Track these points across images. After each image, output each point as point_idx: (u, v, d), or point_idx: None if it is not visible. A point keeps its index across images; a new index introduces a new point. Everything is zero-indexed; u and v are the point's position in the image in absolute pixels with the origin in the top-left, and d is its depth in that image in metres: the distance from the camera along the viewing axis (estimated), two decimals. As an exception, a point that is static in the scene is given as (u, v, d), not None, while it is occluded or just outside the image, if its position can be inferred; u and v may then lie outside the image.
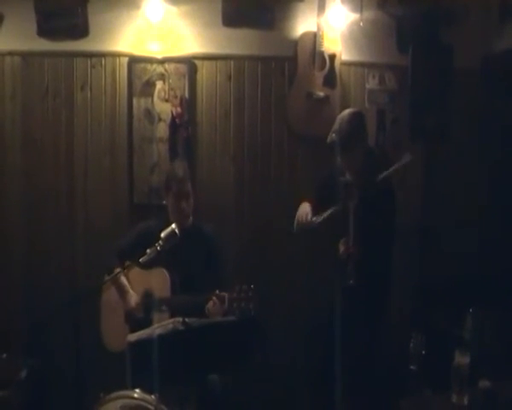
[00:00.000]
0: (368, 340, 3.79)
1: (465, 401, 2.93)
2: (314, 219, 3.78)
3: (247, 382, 4.03)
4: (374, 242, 3.61)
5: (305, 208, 3.85)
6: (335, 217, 3.72)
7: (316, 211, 3.81)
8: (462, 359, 2.95)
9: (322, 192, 3.92)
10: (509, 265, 4.11)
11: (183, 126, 4.39)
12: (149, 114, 4.37)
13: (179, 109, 4.38)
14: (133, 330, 3.17)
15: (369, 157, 3.82)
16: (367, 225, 3.58)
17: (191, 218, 3.75)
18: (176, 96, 4.38)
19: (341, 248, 3.67)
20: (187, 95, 4.38)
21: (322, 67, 4.38)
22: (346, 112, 3.83)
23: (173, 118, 4.38)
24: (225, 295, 3.37)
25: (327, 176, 3.99)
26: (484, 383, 2.94)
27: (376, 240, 3.65)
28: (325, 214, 3.74)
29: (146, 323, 3.34)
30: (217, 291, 3.44)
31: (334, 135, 3.72)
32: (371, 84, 4.59)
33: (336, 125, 3.74)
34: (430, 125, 4.28)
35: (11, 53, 4.33)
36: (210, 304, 3.43)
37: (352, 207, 3.63)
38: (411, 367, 3.33)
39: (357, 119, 3.79)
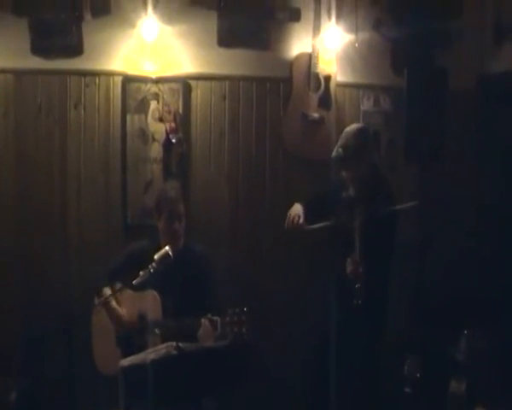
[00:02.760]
0: (366, 362, 3.77)
1: (461, 429, 2.91)
2: (304, 223, 3.77)
3: (241, 405, 4.00)
4: (379, 261, 3.60)
5: (297, 210, 3.83)
6: (325, 231, 3.70)
7: (307, 217, 3.79)
8: (457, 386, 2.93)
9: (317, 204, 3.91)
10: (506, 284, 4.10)
11: (177, 144, 4.36)
12: (143, 133, 4.36)
13: (173, 125, 4.36)
14: (125, 354, 3.13)
15: (373, 173, 3.82)
16: (373, 244, 3.55)
17: (182, 240, 3.71)
18: (169, 112, 4.36)
19: (349, 267, 3.60)
20: (181, 113, 4.37)
21: (317, 88, 4.38)
22: (354, 127, 3.85)
23: (167, 135, 4.36)
24: (217, 319, 3.34)
25: (325, 192, 4.01)
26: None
27: (381, 259, 3.64)
28: (318, 225, 3.73)
29: (138, 346, 3.30)
30: (209, 315, 3.40)
31: (340, 149, 3.71)
32: (366, 105, 4.60)
33: (343, 140, 3.75)
34: (425, 146, 4.26)
35: (4, 70, 4.30)
36: (201, 330, 3.39)
37: (358, 226, 3.61)
38: (406, 390, 3.31)
39: (364, 134, 3.82)
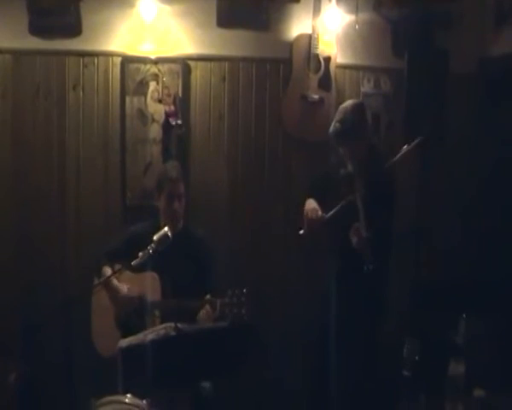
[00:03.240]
0: (367, 337, 3.79)
1: (459, 410, 2.91)
2: (324, 214, 3.72)
3: (239, 387, 4.01)
4: (383, 227, 3.62)
5: (312, 205, 3.80)
6: (343, 211, 3.68)
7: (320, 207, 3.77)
8: (456, 368, 2.92)
9: (322, 188, 3.90)
10: (504, 269, 4.10)
11: (176, 126, 4.35)
12: (142, 114, 4.33)
13: (172, 107, 4.34)
14: (124, 335, 3.13)
15: (371, 147, 3.83)
16: (376, 211, 3.56)
17: (182, 221, 3.71)
18: (169, 95, 4.34)
19: (354, 237, 3.60)
20: (180, 94, 4.34)
21: (317, 69, 4.37)
22: (349, 102, 3.83)
23: (166, 117, 4.34)
24: (217, 300, 3.34)
25: (324, 172, 4.01)
26: (479, 393, 2.92)
27: (385, 225, 3.66)
28: (334, 209, 3.68)
29: (137, 327, 3.30)
30: (208, 296, 3.40)
31: (338, 124, 3.70)
32: (366, 87, 4.58)
33: (340, 115, 3.73)
34: (425, 128, 4.25)
35: (2, 51, 4.26)
36: (201, 311, 3.40)
37: (360, 197, 3.60)
38: (405, 373, 3.31)
39: (361, 109, 3.80)
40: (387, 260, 3.79)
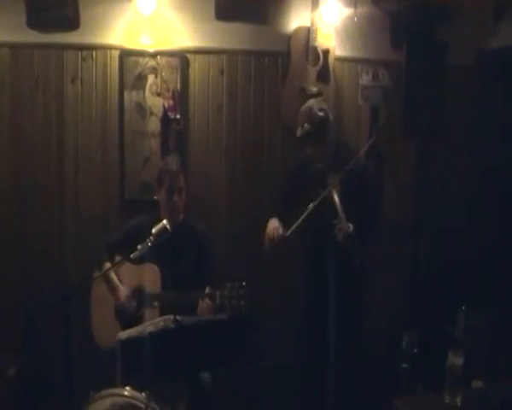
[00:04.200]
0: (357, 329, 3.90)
1: (458, 402, 2.91)
2: (284, 232, 3.78)
3: (238, 379, 4.01)
4: (363, 218, 3.67)
5: (274, 224, 3.87)
6: (306, 223, 3.70)
7: (285, 218, 3.83)
8: (455, 359, 2.93)
9: (294, 190, 3.97)
10: (503, 262, 4.10)
11: (175, 120, 4.35)
12: (141, 108, 4.33)
13: (171, 102, 4.34)
14: (123, 327, 3.13)
15: (338, 142, 3.90)
16: (353, 204, 3.63)
17: (182, 214, 3.71)
18: (168, 89, 4.33)
19: (339, 233, 3.63)
20: (179, 88, 4.34)
21: (316, 62, 4.36)
22: (312, 101, 3.93)
23: (165, 111, 4.34)
24: (216, 292, 3.35)
25: (293, 170, 4.09)
26: (477, 384, 2.93)
27: (366, 218, 3.72)
28: (294, 225, 3.71)
29: (136, 319, 3.31)
30: (207, 289, 3.41)
31: (306, 125, 3.76)
32: (365, 80, 4.58)
33: (306, 117, 3.79)
34: (424, 121, 4.25)
35: (-1, 44, 4.27)
36: (200, 303, 3.40)
37: (336, 194, 3.64)
38: (403, 365, 3.32)
39: (325, 108, 3.86)
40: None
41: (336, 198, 3.64)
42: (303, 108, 3.86)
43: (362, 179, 3.82)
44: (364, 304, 3.95)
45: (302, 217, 3.67)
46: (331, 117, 3.86)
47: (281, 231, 3.79)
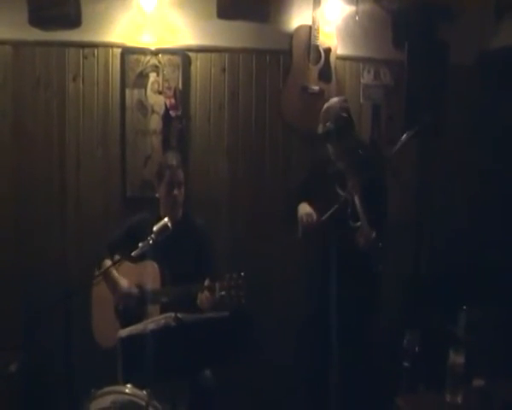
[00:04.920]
0: (364, 329, 3.86)
1: (459, 400, 2.92)
2: (318, 218, 3.71)
3: (239, 376, 4.01)
4: (383, 225, 3.67)
5: (307, 209, 3.78)
6: (338, 211, 3.69)
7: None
8: (456, 358, 2.93)
9: (312, 188, 3.90)
10: (504, 260, 4.10)
11: (177, 119, 4.35)
12: (142, 106, 4.33)
13: (173, 101, 4.34)
14: (123, 326, 3.13)
15: (361, 145, 3.86)
16: (374, 211, 3.60)
17: (181, 209, 3.71)
18: (169, 88, 4.34)
19: (361, 238, 3.60)
20: (181, 87, 4.34)
21: (318, 60, 4.37)
22: (336, 100, 3.83)
23: (167, 110, 4.34)
24: (215, 284, 3.36)
25: (310, 172, 4.03)
26: (478, 382, 2.93)
27: (384, 223, 3.71)
28: (330, 211, 3.67)
29: (136, 318, 3.31)
30: (207, 281, 3.41)
31: (328, 123, 3.70)
32: (366, 79, 4.58)
33: (329, 115, 3.73)
34: (425, 120, 4.25)
35: (1, 42, 4.24)
36: (200, 296, 3.41)
37: (359, 198, 3.61)
38: (405, 364, 3.32)
39: (348, 107, 3.81)
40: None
41: (357, 201, 3.61)
42: (326, 105, 3.80)
43: (381, 184, 3.79)
44: (379, 308, 3.95)
45: (335, 206, 3.64)
46: (352, 117, 3.82)
47: (315, 216, 3.72)
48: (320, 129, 3.76)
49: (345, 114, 3.73)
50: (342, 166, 3.77)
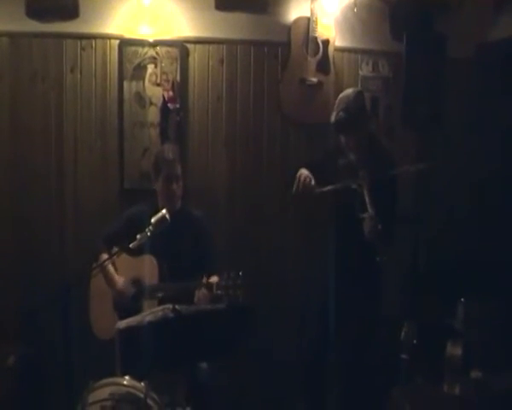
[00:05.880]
0: (364, 325, 3.82)
1: (457, 391, 2.93)
2: (315, 186, 3.71)
3: (236, 369, 4.02)
4: (391, 217, 3.67)
5: (306, 172, 3.75)
6: (331, 195, 3.69)
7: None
8: (454, 349, 2.94)
9: (320, 170, 3.87)
10: (502, 253, 4.10)
11: (175, 111, 4.34)
12: (140, 97, 4.32)
13: (171, 93, 4.33)
14: (121, 318, 3.13)
15: (371, 135, 3.84)
16: (383, 203, 3.59)
17: (180, 202, 3.71)
18: (167, 80, 4.33)
19: (367, 228, 3.58)
20: (178, 79, 4.33)
21: (316, 52, 4.35)
22: (350, 91, 3.80)
23: (165, 102, 4.33)
24: (213, 282, 3.35)
25: (320, 159, 3.98)
26: (476, 374, 2.94)
27: (392, 215, 3.72)
28: (327, 188, 3.68)
29: (134, 310, 3.31)
30: (204, 279, 3.41)
31: (342, 113, 3.67)
32: (365, 70, 4.57)
33: (342, 104, 3.70)
34: (423, 112, 4.25)
35: (-2, 34, 4.24)
36: (197, 294, 3.41)
37: (367, 189, 3.60)
38: (403, 356, 3.33)
39: (362, 98, 3.80)
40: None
41: (366, 192, 3.59)
42: (341, 95, 3.77)
43: (391, 177, 3.76)
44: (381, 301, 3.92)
45: (335, 186, 3.65)
46: (366, 108, 3.82)
47: (313, 182, 3.70)
48: (333, 117, 3.72)
49: (356, 105, 3.69)
50: (353, 157, 3.76)
